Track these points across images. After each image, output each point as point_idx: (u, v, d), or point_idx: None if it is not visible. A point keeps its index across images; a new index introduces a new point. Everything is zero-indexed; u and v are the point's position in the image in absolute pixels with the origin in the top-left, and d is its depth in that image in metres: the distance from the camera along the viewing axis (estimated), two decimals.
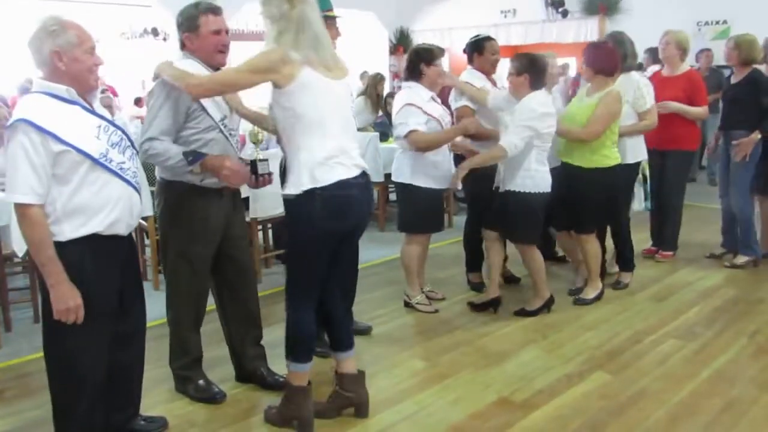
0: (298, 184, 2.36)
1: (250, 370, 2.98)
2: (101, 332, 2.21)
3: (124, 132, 2.23)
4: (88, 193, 2.10)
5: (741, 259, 4.69)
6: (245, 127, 3.15)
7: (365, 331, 3.59)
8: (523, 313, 3.78)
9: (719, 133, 4.77)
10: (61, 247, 2.07)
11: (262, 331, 3.02)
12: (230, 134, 2.68)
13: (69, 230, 2.10)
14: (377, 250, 5.14)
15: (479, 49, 4.01)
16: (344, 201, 2.40)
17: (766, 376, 3.06)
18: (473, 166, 3.57)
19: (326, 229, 2.42)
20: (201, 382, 2.86)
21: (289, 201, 2.43)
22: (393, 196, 6.42)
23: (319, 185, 2.35)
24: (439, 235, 3.84)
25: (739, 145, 4.44)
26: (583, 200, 3.79)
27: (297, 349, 2.58)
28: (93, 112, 2.17)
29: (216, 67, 2.63)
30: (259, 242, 4.71)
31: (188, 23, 2.58)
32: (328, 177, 2.36)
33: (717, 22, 8.89)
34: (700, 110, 4.44)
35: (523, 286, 4.34)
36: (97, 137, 2.12)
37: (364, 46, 11.70)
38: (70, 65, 2.08)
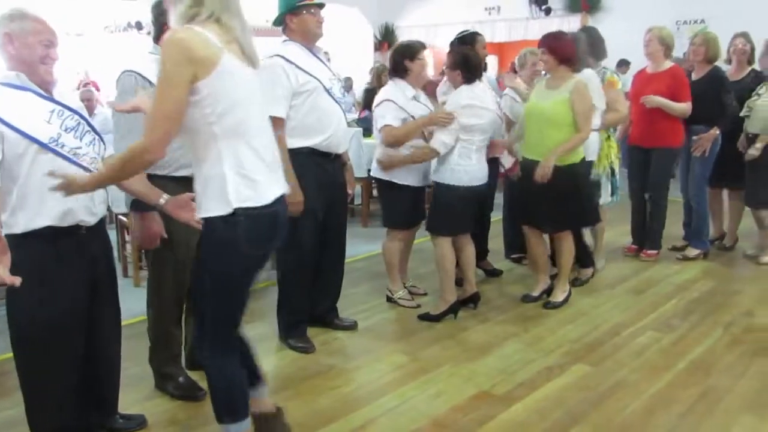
0: (220, 203, 1.96)
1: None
2: (70, 331, 2.19)
3: (83, 117, 2.19)
4: (38, 181, 2.03)
5: (693, 252, 4.79)
6: None
7: (351, 327, 3.61)
8: (426, 317, 3.68)
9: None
10: (19, 239, 2.02)
11: None
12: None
13: (24, 222, 2.06)
14: (360, 245, 5.15)
15: (469, 43, 4.05)
16: (272, 220, 2.07)
17: (741, 365, 3.12)
18: (406, 163, 3.62)
19: (251, 256, 2.07)
20: (181, 379, 2.85)
21: (208, 223, 2.00)
22: (376, 192, 6.46)
23: (245, 204, 1.97)
24: (421, 231, 3.87)
25: (700, 140, 4.52)
26: (561, 197, 3.70)
27: (236, 406, 2.16)
28: (47, 98, 2.14)
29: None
30: None
31: (166, 16, 2.56)
32: (256, 193, 1.99)
33: (695, 21, 8.99)
34: (683, 106, 4.48)
35: (502, 279, 4.38)
36: (48, 122, 2.09)
37: (348, 42, 11.69)
38: (21, 50, 2.08)
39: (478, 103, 3.54)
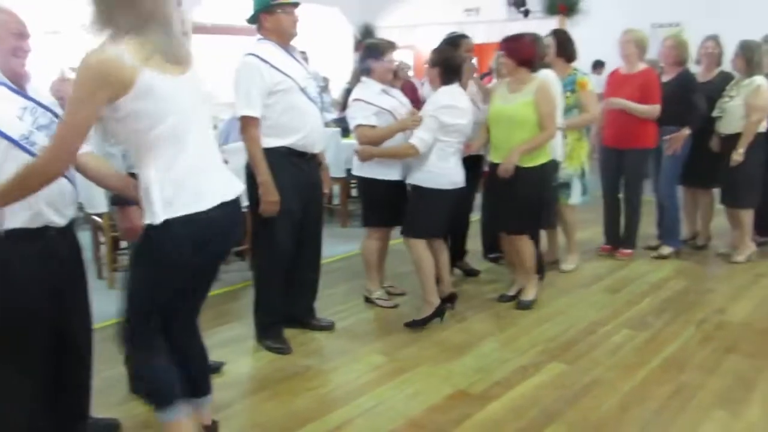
0: (151, 213, 1.98)
1: None
2: (35, 333, 2.14)
3: (56, 115, 2.15)
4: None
5: (666, 250, 4.87)
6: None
7: (328, 328, 3.60)
8: (413, 324, 3.58)
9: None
10: None
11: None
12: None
13: None
14: (338, 245, 5.14)
15: (455, 45, 4.06)
16: (204, 226, 2.03)
17: (713, 362, 3.17)
18: (384, 156, 3.61)
19: (181, 261, 2.05)
20: None
21: (145, 229, 2.04)
22: (354, 192, 6.45)
23: (175, 215, 1.96)
24: (399, 230, 3.87)
25: (671, 139, 4.59)
26: (524, 199, 3.70)
27: (161, 396, 2.19)
28: (21, 94, 2.10)
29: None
30: None
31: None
32: (188, 200, 1.98)
33: (671, 24, 9.12)
34: (648, 108, 4.53)
35: (480, 279, 4.40)
36: (20, 118, 2.04)
37: (328, 42, 11.67)
38: None
39: (458, 104, 3.53)
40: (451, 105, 3.50)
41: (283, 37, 3.16)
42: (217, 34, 11.39)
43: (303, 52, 3.39)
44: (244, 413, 2.77)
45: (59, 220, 2.17)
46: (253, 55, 3.08)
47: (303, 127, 3.17)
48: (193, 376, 2.35)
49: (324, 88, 9.06)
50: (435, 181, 3.52)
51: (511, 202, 3.70)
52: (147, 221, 2.00)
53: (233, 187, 2.16)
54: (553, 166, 3.96)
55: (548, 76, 3.93)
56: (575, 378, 3.02)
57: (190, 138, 2.00)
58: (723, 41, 4.77)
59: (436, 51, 3.68)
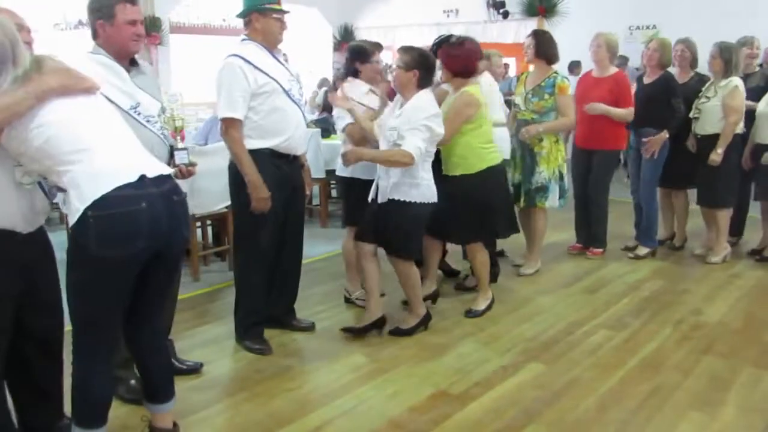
0: (71, 210, 1.93)
1: None
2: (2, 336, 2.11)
3: None
4: None
5: (643, 251, 4.95)
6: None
7: (309, 328, 3.59)
8: (397, 332, 3.49)
9: (629, 132, 4.95)
10: None
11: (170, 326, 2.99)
12: (147, 121, 2.59)
13: None
14: (318, 246, 5.12)
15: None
16: (128, 219, 1.94)
17: (689, 362, 3.21)
18: (374, 160, 3.36)
19: (108, 259, 1.95)
20: (133, 382, 2.77)
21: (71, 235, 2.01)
22: (334, 192, 6.44)
23: (88, 203, 1.89)
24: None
25: (649, 142, 4.65)
26: (468, 207, 3.61)
27: (86, 414, 2.13)
28: None
29: (129, 57, 2.59)
30: (197, 239, 4.62)
31: (105, 11, 2.52)
32: (97, 190, 1.90)
33: (647, 27, 9.26)
34: (624, 112, 4.59)
35: (460, 279, 4.41)
36: None
37: (308, 43, 11.63)
38: None
39: (437, 114, 3.32)
40: (438, 113, 3.34)
41: (270, 41, 3.15)
42: (194, 33, 11.30)
43: (284, 54, 3.36)
44: (224, 414, 2.74)
45: (22, 229, 2.11)
46: (236, 56, 3.05)
47: (286, 129, 3.15)
48: (155, 382, 2.28)
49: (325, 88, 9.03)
50: (422, 194, 3.30)
51: (456, 212, 3.58)
52: (71, 227, 1.96)
53: (158, 167, 2.10)
54: (499, 169, 3.81)
55: (483, 81, 3.98)
56: (554, 378, 3.05)
57: (92, 130, 1.99)
58: (697, 43, 4.83)
59: (411, 50, 3.32)
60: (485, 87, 3.95)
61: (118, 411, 2.70)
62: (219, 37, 11.60)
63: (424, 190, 3.29)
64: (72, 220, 1.93)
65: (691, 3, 8.61)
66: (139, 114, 2.56)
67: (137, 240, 1.97)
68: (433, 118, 3.26)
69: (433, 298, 3.89)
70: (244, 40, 3.15)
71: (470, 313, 3.77)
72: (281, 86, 3.11)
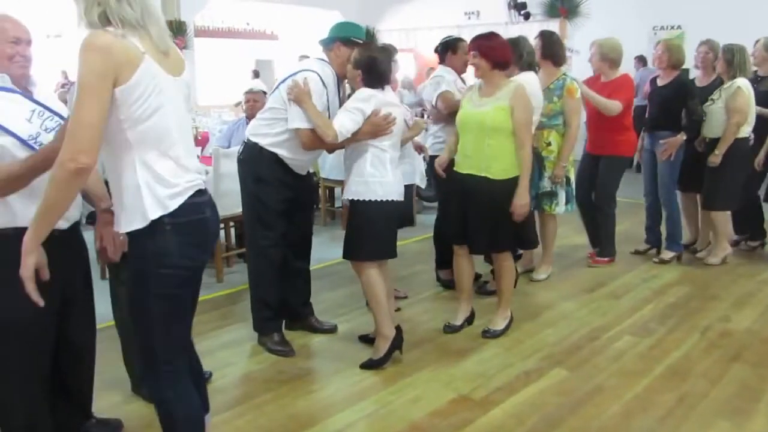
0: (141, 214, 1.81)
1: None
2: (35, 333, 2.13)
3: (63, 119, 2.17)
4: None
5: (668, 255, 4.87)
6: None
7: (330, 330, 3.60)
8: (370, 365, 3.17)
9: (644, 134, 4.88)
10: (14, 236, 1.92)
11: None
12: None
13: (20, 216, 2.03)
14: (340, 248, 5.10)
15: (453, 48, 4.06)
16: (202, 225, 1.92)
17: (717, 370, 3.15)
18: (306, 112, 3.07)
19: (189, 266, 1.90)
20: None
21: (132, 237, 1.87)
22: None
23: (169, 210, 1.83)
24: (402, 233, 3.84)
25: (666, 145, 4.58)
26: (502, 214, 3.32)
27: None
28: (30, 98, 2.14)
29: None
30: (220, 241, 4.65)
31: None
32: (177, 199, 1.84)
33: (672, 27, 9.14)
34: (608, 102, 4.43)
35: (481, 283, 4.37)
36: (29, 120, 2.09)
37: None
38: None
39: (379, 104, 3.07)
40: (373, 96, 3.05)
41: (341, 72, 3.22)
42: (218, 37, 11.42)
43: (351, 90, 3.40)
44: (246, 415, 2.75)
45: (62, 224, 2.15)
46: (316, 74, 3.11)
47: (310, 154, 3.29)
48: (201, 393, 2.16)
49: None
50: (372, 191, 3.08)
51: (485, 219, 3.34)
52: (135, 226, 1.82)
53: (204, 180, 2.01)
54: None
55: (529, 80, 3.80)
56: (578, 384, 3.01)
57: (175, 140, 1.86)
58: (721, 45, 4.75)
59: (363, 51, 3.14)
60: (534, 86, 3.87)
61: (141, 411, 2.74)
62: (243, 40, 11.71)
63: (374, 186, 3.08)
64: (141, 222, 1.82)
65: (716, 2, 8.47)
66: None
67: (209, 246, 1.98)
68: (368, 99, 3.03)
69: (469, 321, 3.72)
70: (321, 60, 3.22)
71: (487, 333, 3.54)
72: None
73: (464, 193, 3.41)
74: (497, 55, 3.29)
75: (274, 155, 3.21)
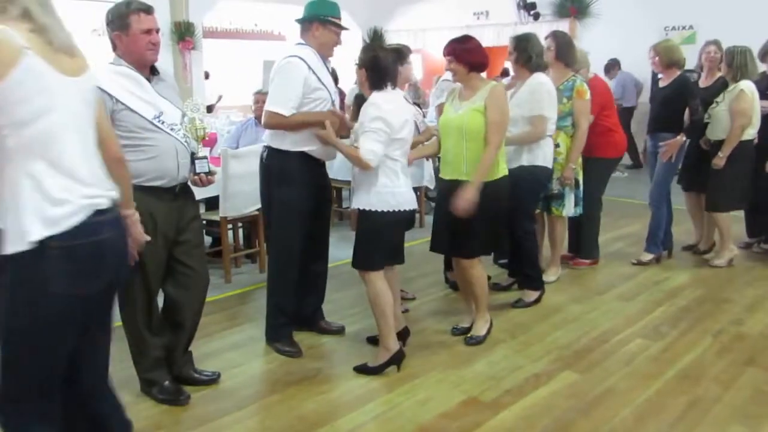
0: (21, 235, 1.58)
1: (182, 374, 2.94)
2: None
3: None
4: None
5: (646, 257, 4.83)
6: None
7: (339, 331, 3.59)
8: (363, 370, 3.12)
9: (647, 136, 4.84)
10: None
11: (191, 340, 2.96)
12: (171, 129, 2.62)
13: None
14: (349, 249, 5.09)
15: None
16: (95, 249, 1.69)
17: (730, 374, 3.11)
18: (336, 148, 3.10)
19: (72, 295, 1.67)
20: (166, 383, 2.81)
21: (12, 260, 1.60)
22: None
23: (55, 232, 1.60)
24: (410, 234, 3.82)
25: (666, 146, 4.54)
26: (474, 219, 3.18)
27: None
28: None
29: (148, 66, 2.61)
30: (228, 241, 4.65)
31: (118, 22, 2.54)
32: (68, 219, 1.62)
33: (683, 27, 9.06)
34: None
35: (490, 285, 4.35)
36: None
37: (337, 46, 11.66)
38: None
39: (393, 112, 2.99)
40: (382, 117, 2.94)
41: (324, 51, 3.22)
42: (226, 38, 11.45)
43: (333, 69, 3.41)
44: (255, 416, 2.75)
45: None
46: (298, 57, 3.10)
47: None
48: None
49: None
50: (384, 201, 3.00)
51: (464, 222, 3.19)
52: (16, 248, 1.59)
53: (112, 195, 1.80)
54: (544, 174, 3.90)
55: (543, 80, 3.81)
56: (588, 387, 2.98)
57: (67, 148, 1.65)
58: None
59: (366, 50, 3.14)
60: (550, 85, 3.85)
61: (150, 411, 2.74)
62: (251, 41, 11.73)
63: (386, 197, 3.01)
64: (19, 244, 1.59)
65: (728, 2, 8.39)
66: (163, 123, 2.60)
67: (102, 275, 1.76)
68: (374, 121, 2.93)
69: (403, 338, 3.40)
70: (300, 44, 3.21)
71: (471, 340, 3.44)
72: (330, 96, 3.20)
73: (445, 199, 3.28)
74: (473, 58, 3.23)
75: (301, 153, 3.18)
